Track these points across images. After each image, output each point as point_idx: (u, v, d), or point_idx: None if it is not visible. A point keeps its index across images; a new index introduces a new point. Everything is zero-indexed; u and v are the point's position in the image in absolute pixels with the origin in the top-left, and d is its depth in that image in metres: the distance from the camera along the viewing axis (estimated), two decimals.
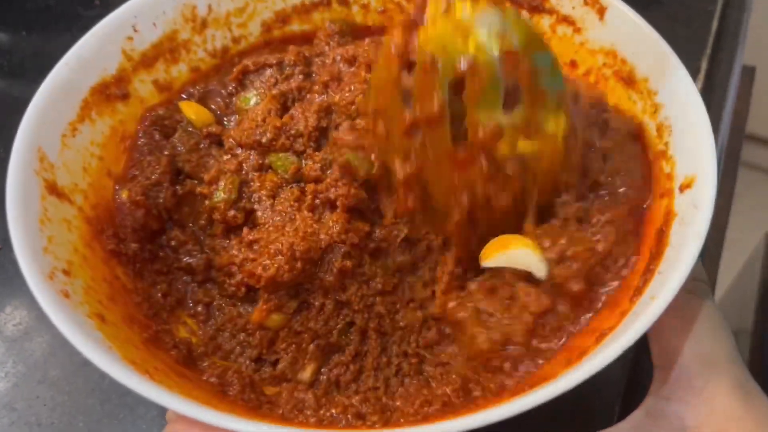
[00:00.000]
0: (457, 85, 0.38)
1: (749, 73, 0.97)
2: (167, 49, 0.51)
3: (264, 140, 0.46)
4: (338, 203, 0.43)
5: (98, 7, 0.76)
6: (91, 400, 0.49)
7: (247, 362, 0.43)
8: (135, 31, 0.49)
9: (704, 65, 0.69)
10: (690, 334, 0.38)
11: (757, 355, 0.96)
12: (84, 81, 0.46)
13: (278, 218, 0.44)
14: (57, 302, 0.36)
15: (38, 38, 0.74)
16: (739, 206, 0.94)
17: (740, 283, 1.16)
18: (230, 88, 0.51)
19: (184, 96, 0.52)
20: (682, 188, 0.40)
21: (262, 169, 0.47)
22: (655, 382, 0.39)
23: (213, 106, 0.51)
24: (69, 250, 0.40)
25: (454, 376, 0.40)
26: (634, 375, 0.50)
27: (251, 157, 0.47)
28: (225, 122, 0.51)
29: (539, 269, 0.40)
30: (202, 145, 0.49)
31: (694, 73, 0.68)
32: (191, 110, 0.49)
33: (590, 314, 0.39)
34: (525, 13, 0.51)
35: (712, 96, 0.68)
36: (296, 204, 0.44)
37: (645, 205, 0.43)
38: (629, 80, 0.47)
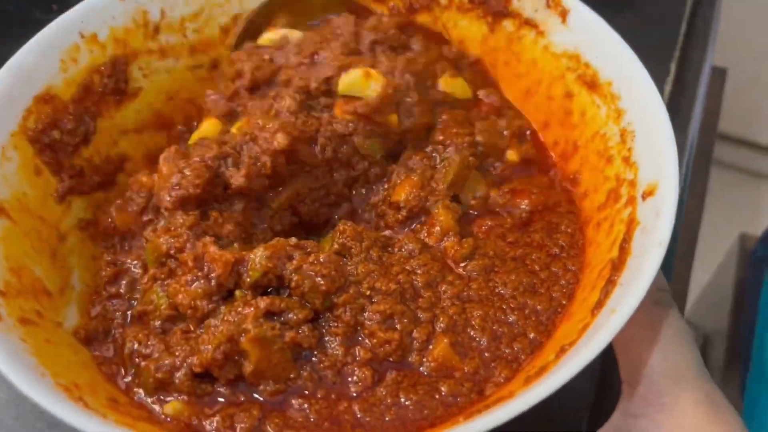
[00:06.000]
0: None
1: (721, 74, 0.97)
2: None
3: None
4: None
5: (56, 12, 0.73)
6: (39, 423, 0.47)
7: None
8: (82, 37, 0.47)
9: (674, 67, 0.69)
10: (656, 347, 0.37)
11: (732, 357, 0.95)
12: (27, 90, 0.44)
13: None
14: None
15: None
16: (713, 205, 0.94)
17: (715, 283, 1.16)
18: None
19: None
20: (645, 196, 0.39)
21: None
22: (622, 397, 0.38)
23: None
24: (5, 269, 0.38)
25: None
26: (602, 386, 0.49)
27: None
28: None
29: None
30: None
31: (664, 74, 0.68)
32: None
33: None
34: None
35: (681, 97, 0.67)
36: None
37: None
38: (593, 84, 0.46)
